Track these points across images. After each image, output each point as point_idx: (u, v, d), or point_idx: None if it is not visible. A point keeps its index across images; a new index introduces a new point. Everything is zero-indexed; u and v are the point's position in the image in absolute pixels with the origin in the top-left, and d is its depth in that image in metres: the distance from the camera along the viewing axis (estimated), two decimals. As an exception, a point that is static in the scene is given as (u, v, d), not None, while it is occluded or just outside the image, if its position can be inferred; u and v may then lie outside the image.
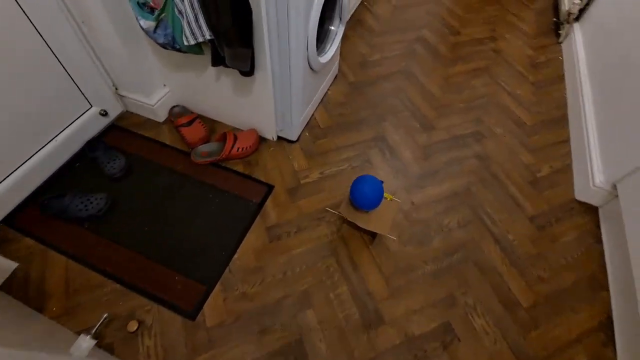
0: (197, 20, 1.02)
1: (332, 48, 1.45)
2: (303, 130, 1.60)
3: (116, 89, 1.50)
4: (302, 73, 1.25)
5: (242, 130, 1.52)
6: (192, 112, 1.58)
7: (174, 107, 1.59)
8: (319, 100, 1.71)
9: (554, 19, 2.31)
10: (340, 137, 1.59)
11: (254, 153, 1.50)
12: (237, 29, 1.00)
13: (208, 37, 1.07)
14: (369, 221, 1.15)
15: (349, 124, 1.64)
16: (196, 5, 0.99)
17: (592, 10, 1.99)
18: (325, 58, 1.41)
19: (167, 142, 1.52)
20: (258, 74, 1.24)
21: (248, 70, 1.16)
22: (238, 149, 1.44)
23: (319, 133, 1.60)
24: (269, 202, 1.36)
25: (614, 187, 1.33)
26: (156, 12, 1.06)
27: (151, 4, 1.10)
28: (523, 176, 1.49)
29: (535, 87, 1.88)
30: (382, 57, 1.99)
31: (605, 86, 1.59)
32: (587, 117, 1.62)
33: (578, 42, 2.01)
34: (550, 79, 1.94)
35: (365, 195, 1.08)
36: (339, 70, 1.89)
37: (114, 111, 1.54)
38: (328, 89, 1.79)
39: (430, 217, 1.35)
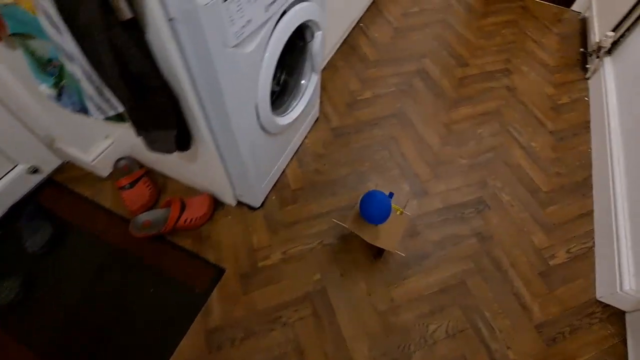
0: (101, 94, 0.78)
1: (301, 104, 1.18)
2: (270, 192, 1.35)
3: (52, 140, 1.28)
4: (253, 141, 1.00)
5: (193, 196, 1.28)
6: (141, 167, 1.35)
7: (119, 159, 1.36)
8: (293, 152, 1.46)
9: (581, 49, 1.98)
10: (313, 204, 1.33)
11: (207, 222, 1.26)
12: (145, 111, 0.76)
13: (120, 109, 0.82)
14: (377, 236, 1.08)
15: (324, 185, 1.38)
16: (96, 78, 0.74)
17: (629, 42, 1.66)
18: (289, 117, 1.14)
19: (108, 206, 1.30)
20: (197, 144, 1.00)
21: (175, 151, 0.92)
22: (186, 220, 1.20)
23: (288, 196, 1.35)
24: (215, 293, 1.12)
25: (650, 296, 1.05)
26: (53, 80, 0.83)
27: (56, 62, 0.86)
28: (533, 265, 1.21)
29: (555, 139, 1.58)
30: (374, 95, 1.71)
31: (641, 149, 1.29)
32: (615, 185, 1.32)
33: (609, 80, 1.69)
34: (573, 127, 1.63)
35: (371, 210, 1.02)
36: (321, 111, 1.62)
37: (49, 165, 1.32)
38: (305, 137, 1.53)
39: (412, 319, 1.09)
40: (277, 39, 0.85)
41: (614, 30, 1.70)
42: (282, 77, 1.18)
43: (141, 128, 0.82)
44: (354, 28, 2.04)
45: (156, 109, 0.76)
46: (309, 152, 1.48)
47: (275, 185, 1.37)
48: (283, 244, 1.22)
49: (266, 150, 1.13)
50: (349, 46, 1.94)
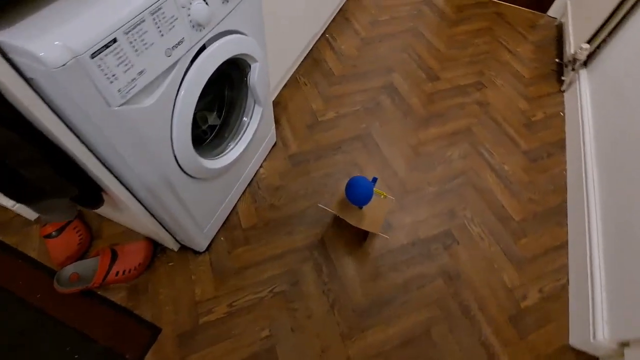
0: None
1: (242, 144, 1.05)
2: (218, 232, 1.22)
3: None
4: (179, 191, 0.87)
5: (130, 241, 1.14)
6: (72, 208, 1.21)
7: (48, 201, 1.21)
8: (246, 184, 1.33)
9: (557, 60, 1.89)
10: (266, 245, 1.21)
11: (145, 271, 1.13)
12: (23, 186, 0.63)
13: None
14: (362, 220, 1.12)
15: (280, 222, 1.26)
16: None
17: (605, 54, 1.57)
18: (225, 160, 1.00)
19: (34, 254, 1.16)
20: (114, 198, 0.86)
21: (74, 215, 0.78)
22: (117, 273, 1.07)
23: (239, 237, 1.22)
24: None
25: (622, 346, 0.97)
26: None
27: None
28: (503, 308, 1.12)
29: (529, 160, 1.49)
30: (337, 115, 1.59)
31: (616, 169, 1.20)
32: (590, 214, 1.23)
33: (584, 94, 1.60)
34: (548, 147, 1.54)
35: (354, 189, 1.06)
36: (279, 136, 1.49)
37: (-35, 211, 1.17)
38: (261, 166, 1.40)
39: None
40: (193, 82, 0.72)
41: (589, 41, 1.61)
42: (223, 112, 1.05)
43: (24, 201, 0.69)
44: (319, 39, 1.91)
45: (37, 181, 0.63)
46: (263, 184, 1.35)
47: (224, 224, 1.24)
48: (230, 294, 1.10)
49: (202, 195, 1.00)
50: (313, 60, 1.81)
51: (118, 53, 0.53)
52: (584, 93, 1.61)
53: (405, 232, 1.26)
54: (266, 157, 1.42)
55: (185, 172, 0.84)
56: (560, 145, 1.55)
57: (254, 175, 1.36)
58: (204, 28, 0.70)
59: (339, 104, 1.63)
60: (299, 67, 1.76)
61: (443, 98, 1.69)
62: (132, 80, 0.57)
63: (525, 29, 2.09)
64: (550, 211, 1.34)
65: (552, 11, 2.18)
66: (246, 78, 0.97)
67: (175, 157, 0.78)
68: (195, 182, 0.92)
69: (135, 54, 0.56)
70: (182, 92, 0.70)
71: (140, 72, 0.58)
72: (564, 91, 1.77)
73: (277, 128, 1.51)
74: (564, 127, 1.62)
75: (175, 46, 0.64)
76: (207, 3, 0.68)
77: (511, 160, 1.48)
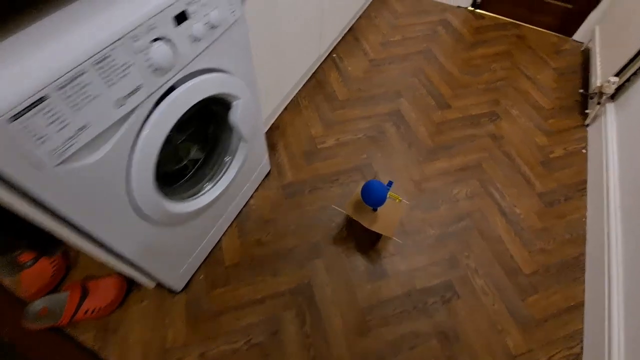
0: None
1: (220, 185, 0.97)
2: (198, 269, 1.15)
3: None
4: (144, 238, 0.80)
5: (103, 276, 1.08)
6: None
7: (27, 226, 1.17)
8: (235, 215, 1.25)
9: (581, 91, 1.74)
10: (246, 287, 1.12)
11: (117, 309, 1.07)
12: None
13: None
14: (375, 222, 1.12)
15: (265, 261, 1.18)
16: None
17: (636, 88, 1.42)
18: (198, 203, 0.91)
19: (6, 283, 1.11)
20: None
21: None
22: (86, 311, 1.01)
23: (219, 275, 1.15)
24: (110, 411, 0.93)
25: None
26: None
27: None
28: (504, 377, 1.00)
29: (544, 203, 1.36)
30: (338, 143, 1.50)
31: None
32: (612, 271, 1.10)
33: (610, 131, 1.45)
34: (567, 189, 1.40)
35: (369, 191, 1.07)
36: (275, 162, 1.42)
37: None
38: (252, 196, 1.32)
39: None
40: (157, 128, 0.65)
41: (618, 74, 1.47)
42: (207, 146, 0.98)
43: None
44: (325, 59, 1.83)
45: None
46: (253, 216, 1.28)
47: (206, 259, 1.17)
48: (202, 342, 1.02)
49: (174, 239, 0.92)
50: (316, 82, 1.73)
51: (49, 112, 0.46)
52: (609, 129, 1.47)
53: (400, 282, 1.15)
54: (258, 186, 1.35)
55: (149, 221, 0.77)
56: (581, 187, 1.41)
57: (244, 206, 1.29)
58: (168, 72, 0.62)
59: (340, 130, 1.54)
60: (301, 89, 1.69)
61: (453, 128, 1.57)
62: (70, 138, 0.50)
63: (548, 54, 1.95)
64: (565, 265, 1.21)
65: (579, 35, 2.03)
66: (227, 115, 0.90)
67: (135, 207, 0.71)
68: (164, 228, 0.85)
69: (73, 109, 0.49)
70: (141, 141, 0.63)
71: (82, 128, 0.51)
72: (587, 125, 1.63)
73: (273, 154, 1.44)
74: (585, 166, 1.48)
75: (130, 94, 0.57)
76: (171, 44, 0.61)
77: (524, 203, 1.35)
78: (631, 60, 1.42)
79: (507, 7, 2.10)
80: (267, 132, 1.50)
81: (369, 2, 2.16)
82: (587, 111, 1.62)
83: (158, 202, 0.75)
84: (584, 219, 1.32)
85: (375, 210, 1.14)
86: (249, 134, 0.97)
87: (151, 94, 0.61)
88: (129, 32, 0.53)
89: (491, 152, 1.50)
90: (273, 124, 1.54)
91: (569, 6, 1.96)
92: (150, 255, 0.86)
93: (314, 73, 1.76)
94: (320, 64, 1.80)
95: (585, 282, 1.17)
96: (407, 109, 1.63)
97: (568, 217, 1.32)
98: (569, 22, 2.02)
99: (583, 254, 1.23)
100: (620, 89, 1.48)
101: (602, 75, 1.59)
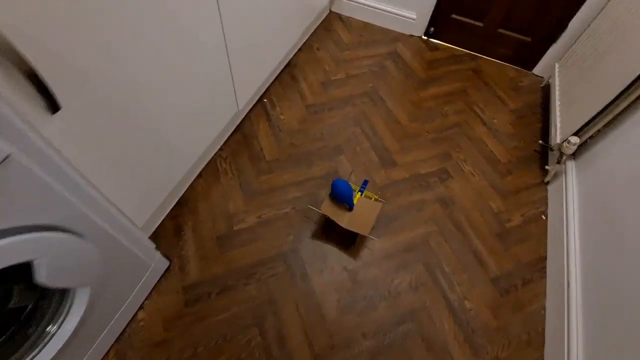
0: None
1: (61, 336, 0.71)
2: None
3: None
4: None
5: None
6: None
7: None
8: (113, 339, 0.98)
9: (540, 142, 1.56)
10: None
11: None
12: None
13: None
14: (351, 222, 1.13)
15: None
16: None
17: (599, 148, 1.25)
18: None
19: None
20: None
21: None
22: None
23: None
24: None
25: None
26: None
27: None
28: None
29: (499, 291, 1.15)
30: (258, 222, 1.24)
31: (602, 321, 0.88)
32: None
33: (570, 194, 1.27)
34: (524, 268, 1.21)
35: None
36: (177, 254, 1.14)
37: None
38: (141, 307, 1.05)
39: None
40: None
41: (578, 132, 1.29)
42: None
43: None
44: (254, 105, 1.57)
45: None
46: (139, 338, 1.00)
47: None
48: None
49: None
50: (242, 136, 1.46)
51: None
52: (570, 192, 1.29)
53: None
54: (152, 289, 1.08)
55: None
56: (541, 266, 1.22)
57: (128, 323, 1.02)
58: None
59: (264, 203, 1.29)
60: (223, 146, 1.42)
61: (398, 194, 1.35)
62: None
63: (505, 91, 1.77)
64: (522, 375, 1.02)
65: (539, 69, 1.86)
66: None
67: None
68: None
69: None
70: None
71: None
72: (547, 183, 1.45)
73: (176, 241, 1.16)
74: (545, 238, 1.30)
75: None
76: None
77: (476, 294, 1.15)
78: (593, 119, 1.24)
79: (463, 37, 1.90)
80: (171, 210, 1.23)
81: (311, 31, 1.90)
82: (547, 167, 1.44)
83: None
84: (542, 311, 1.13)
85: (351, 209, 1.17)
86: (75, 286, 0.70)
87: None
88: None
89: (440, 223, 1.29)
90: (181, 197, 1.27)
91: (527, 39, 1.79)
92: None
93: (240, 123, 1.49)
94: (248, 112, 1.53)
95: (545, 403, 0.99)
96: (346, 170, 1.40)
97: (526, 309, 1.13)
98: (528, 55, 1.84)
99: (542, 358, 1.05)
100: (582, 146, 1.31)
101: (561, 126, 1.41)
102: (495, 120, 1.63)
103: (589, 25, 1.50)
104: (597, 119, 1.22)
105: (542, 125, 1.64)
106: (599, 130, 1.24)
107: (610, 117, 1.18)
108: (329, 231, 1.23)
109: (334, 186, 1.13)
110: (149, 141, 0.93)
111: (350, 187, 1.14)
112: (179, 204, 1.26)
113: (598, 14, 1.45)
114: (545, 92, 1.78)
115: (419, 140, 1.52)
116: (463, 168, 1.45)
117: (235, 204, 1.27)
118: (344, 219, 1.13)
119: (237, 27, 1.09)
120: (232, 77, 1.19)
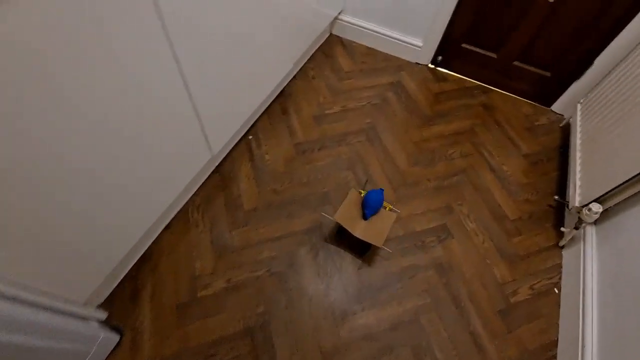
0: None
1: None
2: None
3: None
4: None
5: None
6: None
7: None
8: None
9: (556, 197, 1.38)
10: None
11: None
12: None
13: None
14: (365, 232, 1.11)
15: None
16: None
17: (625, 216, 1.07)
18: None
19: None
20: None
21: None
22: None
23: None
24: None
25: None
26: None
27: None
28: None
29: (498, 386, 1.00)
30: (226, 286, 1.09)
31: None
32: None
33: (589, 266, 1.10)
34: (530, 358, 1.04)
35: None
36: (129, 326, 1.00)
37: None
38: (85, 390, 0.92)
39: None
40: None
41: (599, 199, 1.11)
42: None
43: None
44: (240, 141, 1.43)
45: None
46: None
47: None
48: None
49: None
50: (220, 178, 1.32)
51: None
52: (589, 263, 1.12)
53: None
54: (109, 356, 0.95)
55: None
56: (550, 355, 1.05)
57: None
58: None
59: (235, 263, 1.14)
60: (198, 190, 1.28)
61: (388, 259, 1.19)
62: None
63: (519, 131, 1.59)
64: None
65: (559, 106, 1.67)
66: None
67: None
68: None
69: None
70: None
71: None
72: (562, 247, 1.27)
73: (132, 309, 1.03)
74: (557, 318, 1.12)
75: None
76: None
77: (472, 388, 0.98)
78: (619, 185, 1.06)
79: (474, 68, 1.73)
80: (133, 268, 1.10)
81: (308, 56, 1.75)
82: (562, 229, 1.26)
83: None
84: (550, 417, 0.96)
85: (366, 219, 1.16)
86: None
87: None
88: None
89: (435, 296, 1.13)
90: (146, 251, 1.14)
91: (546, 74, 1.60)
92: None
93: (219, 165, 1.35)
94: (230, 151, 1.39)
95: None
96: (332, 225, 1.25)
97: (530, 412, 0.96)
98: (546, 91, 1.66)
99: None
100: (604, 212, 1.13)
101: (582, 185, 1.22)
102: (505, 167, 1.46)
103: (617, 64, 1.31)
104: (624, 186, 1.04)
105: (559, 174, 1.45)
106: (626, 199, 1.06)
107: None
108: (304, 302, 1.08)
109: (371, 191, 1.17)
110: (81, 226, 0.80)
111: (383, 199, 1.17)
112: (142, 258, 1.12)
113: (629, 54, 1.26)
114: (565, 132, 1.59)
115: (419, 189, 1.36)
116: (466, 225, 1.28)
117: (203, 263, 1.13)
118: (357, 229, 1.12)
119: (201, 74, 0.95)
120: (201, 127, 1.05)
